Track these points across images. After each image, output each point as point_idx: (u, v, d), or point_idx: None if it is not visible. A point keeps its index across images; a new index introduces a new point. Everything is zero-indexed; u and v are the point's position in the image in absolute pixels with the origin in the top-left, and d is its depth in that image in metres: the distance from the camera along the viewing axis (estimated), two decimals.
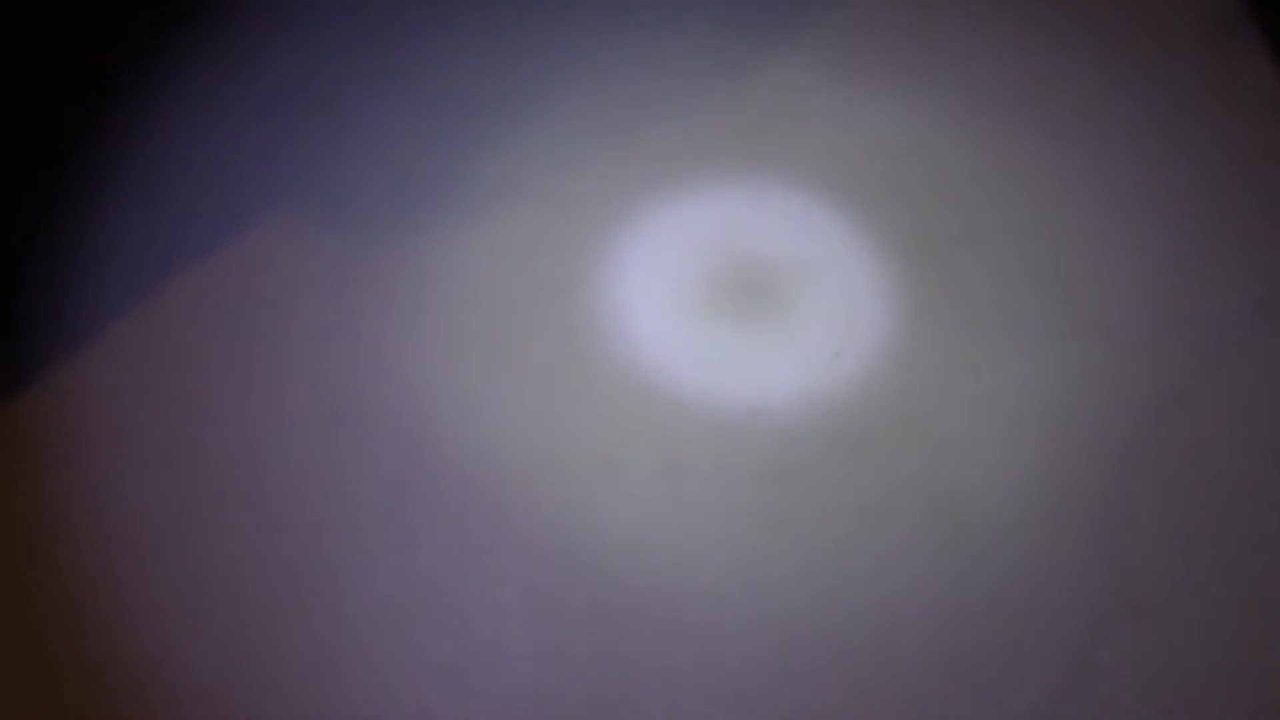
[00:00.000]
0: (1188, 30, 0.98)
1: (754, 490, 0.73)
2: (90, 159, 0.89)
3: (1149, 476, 0.74)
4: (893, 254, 0.81)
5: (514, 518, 0.72)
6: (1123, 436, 0.75)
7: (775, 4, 0.94)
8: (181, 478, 0.73)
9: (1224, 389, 0.77)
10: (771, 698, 0.66)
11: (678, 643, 0.68)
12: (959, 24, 1.02)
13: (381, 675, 0.66)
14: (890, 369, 0.77)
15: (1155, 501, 0.73)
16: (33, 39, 0.95)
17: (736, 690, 0.67)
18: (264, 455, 0.74)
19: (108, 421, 0.75)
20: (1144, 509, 0.72)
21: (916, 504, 0.73)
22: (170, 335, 0.79)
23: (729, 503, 0.72)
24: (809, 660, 0.67)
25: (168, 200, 0.86)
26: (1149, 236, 0.85)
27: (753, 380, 0.76)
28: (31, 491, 0.72)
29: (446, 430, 0.74)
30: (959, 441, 0.75)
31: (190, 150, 0.89)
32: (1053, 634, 0.68)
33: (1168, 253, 0.84)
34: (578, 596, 0.69)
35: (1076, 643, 0.68)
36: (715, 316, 0.78)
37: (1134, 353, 0.79)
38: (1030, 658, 0.67)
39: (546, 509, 0.72)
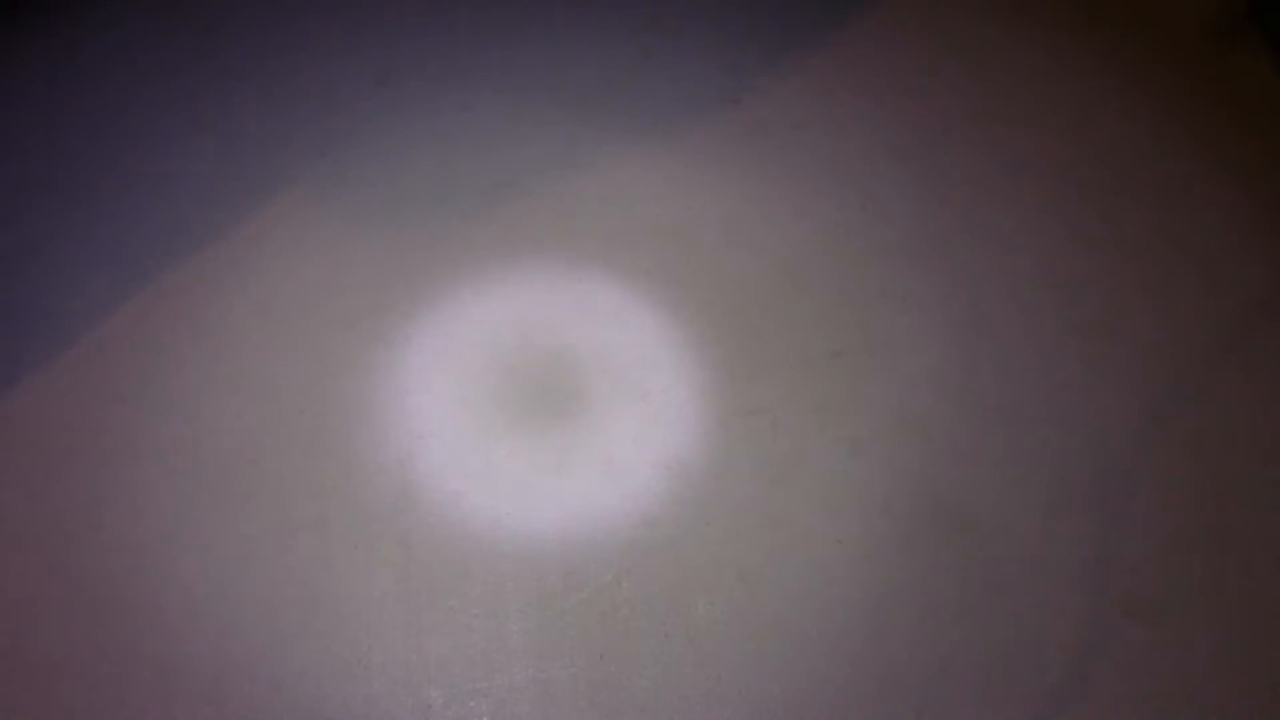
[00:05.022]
0: (1188, 30, 0.98)
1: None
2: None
3: (1148, 476, 0.74)
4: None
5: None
6: (1122, 436, 0.75)
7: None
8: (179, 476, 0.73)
9: (1224, 389, 0.77)
10: (771, 696, 0.66)
11: None
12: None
13: (381, 675, 0.66)
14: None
15: (1153, 501, 0.73)
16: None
17: (736, 689, 0.67)
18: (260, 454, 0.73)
19: (104, 419, 0.75)
20: (1142, 509, 0.72)
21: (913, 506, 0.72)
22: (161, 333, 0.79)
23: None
24: (808, 660, 0.67)
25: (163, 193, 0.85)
26: (1149, 236, 0.85)
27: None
28: (29, 490, 0.72)
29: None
30: (959, 443, 0.75)
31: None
32: (1051, 633, 0.68)
33: (1168, 252, 0.84)
34: None
35: (1075, 642, 0.68)
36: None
37: (1134, 353, 0.79)
38: (1029, 657, 0.67)
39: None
